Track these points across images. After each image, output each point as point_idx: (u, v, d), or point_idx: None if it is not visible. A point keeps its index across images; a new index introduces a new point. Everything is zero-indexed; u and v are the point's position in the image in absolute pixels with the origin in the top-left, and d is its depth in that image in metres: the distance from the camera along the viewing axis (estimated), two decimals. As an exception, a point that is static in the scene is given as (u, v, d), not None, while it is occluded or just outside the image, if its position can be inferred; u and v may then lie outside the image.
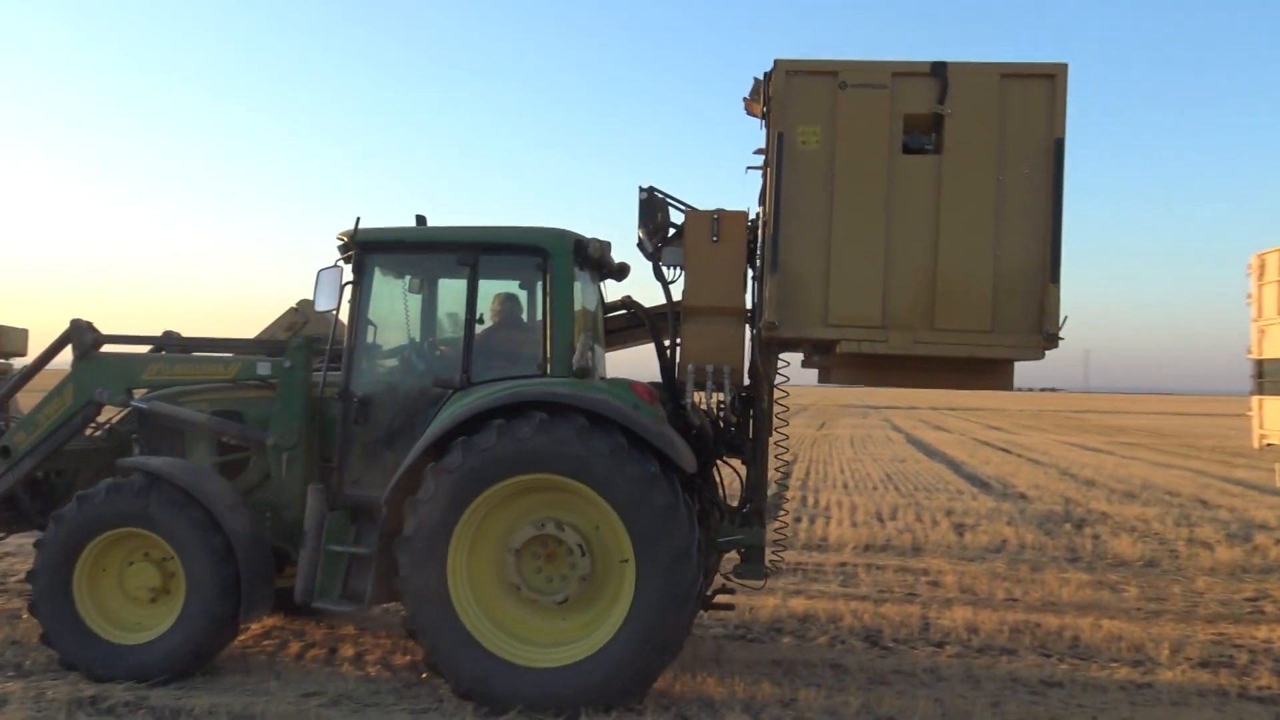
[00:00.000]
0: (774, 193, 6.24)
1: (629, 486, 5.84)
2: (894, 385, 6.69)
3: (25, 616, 7.71)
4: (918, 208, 6.16)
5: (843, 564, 11.38)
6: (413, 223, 6.87)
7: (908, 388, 6.98)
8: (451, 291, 6.91)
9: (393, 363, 7.03)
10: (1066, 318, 6.09)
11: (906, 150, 6.21)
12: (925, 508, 16.25)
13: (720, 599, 7.59)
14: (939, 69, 6.12)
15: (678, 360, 6.80)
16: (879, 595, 9.70)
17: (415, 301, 7.10)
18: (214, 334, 7.89)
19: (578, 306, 6.70)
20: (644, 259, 6.98)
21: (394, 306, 6.99)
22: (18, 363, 9.51)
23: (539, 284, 6.64)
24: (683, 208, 6.81)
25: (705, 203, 6.79)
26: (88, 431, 7.87)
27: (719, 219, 6.53)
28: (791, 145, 6.22)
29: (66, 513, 6.59)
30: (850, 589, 10.00)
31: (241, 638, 7.59)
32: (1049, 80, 6.12)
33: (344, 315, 6.80)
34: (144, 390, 7.41)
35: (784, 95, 6.26)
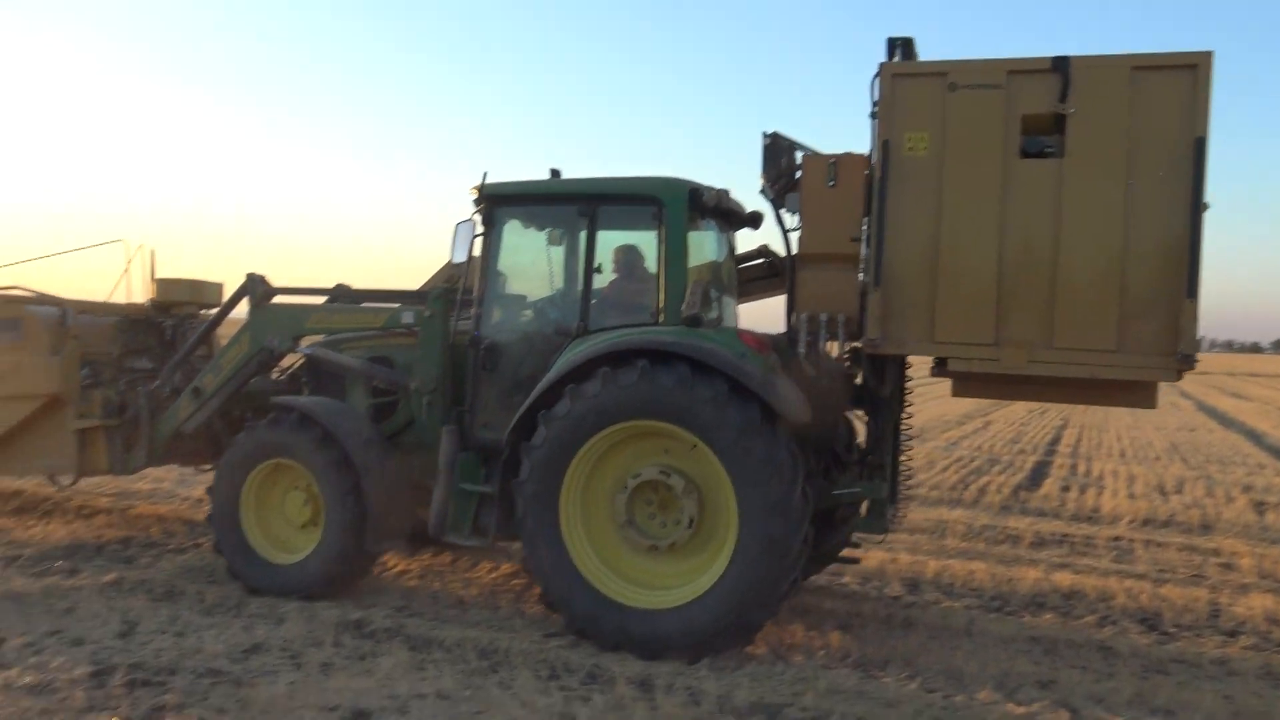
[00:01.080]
0: (879, 203, 5.96)
1: (730, 433, 5.84)
2: (1018, 399, 6.36)
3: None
4: (1036, 216, 5.74)
5: (1116, 538, 10.39)
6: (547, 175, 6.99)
7: (1034, 401, 6.63)
8: (573, 242, 7.07)
9: (519, 311, 7.28)
10: (1203, 338, 5.48)
11: (1024, 154, 5.82)
12: (1218, 482, 14.62)
13: (846, 553, 7.51)
14: (1061, 64, 5.65)
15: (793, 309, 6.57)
16: (1159, 575, 8.77)
17: (539, 252, 7.26)
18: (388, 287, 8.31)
19: (701, 256, 6.80)
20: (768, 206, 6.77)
21: (520, 257, 7.24)
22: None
23: (655, 233, 6.60)
24: (808, 153, 6.53)
25: (838, 148, 6.47)
26: (274, 375, 8.57)
27: (836, 164, 6.26)
28: (897, 153, 5.92)
29: (232, 445, 7.34)
30: (1125, 566, 9.10)
31: (491, 575, 7.93)
32: (1189, 71, 5.52)
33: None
34: (315, 338, 7.95)
35: (890, 100, 5.97)
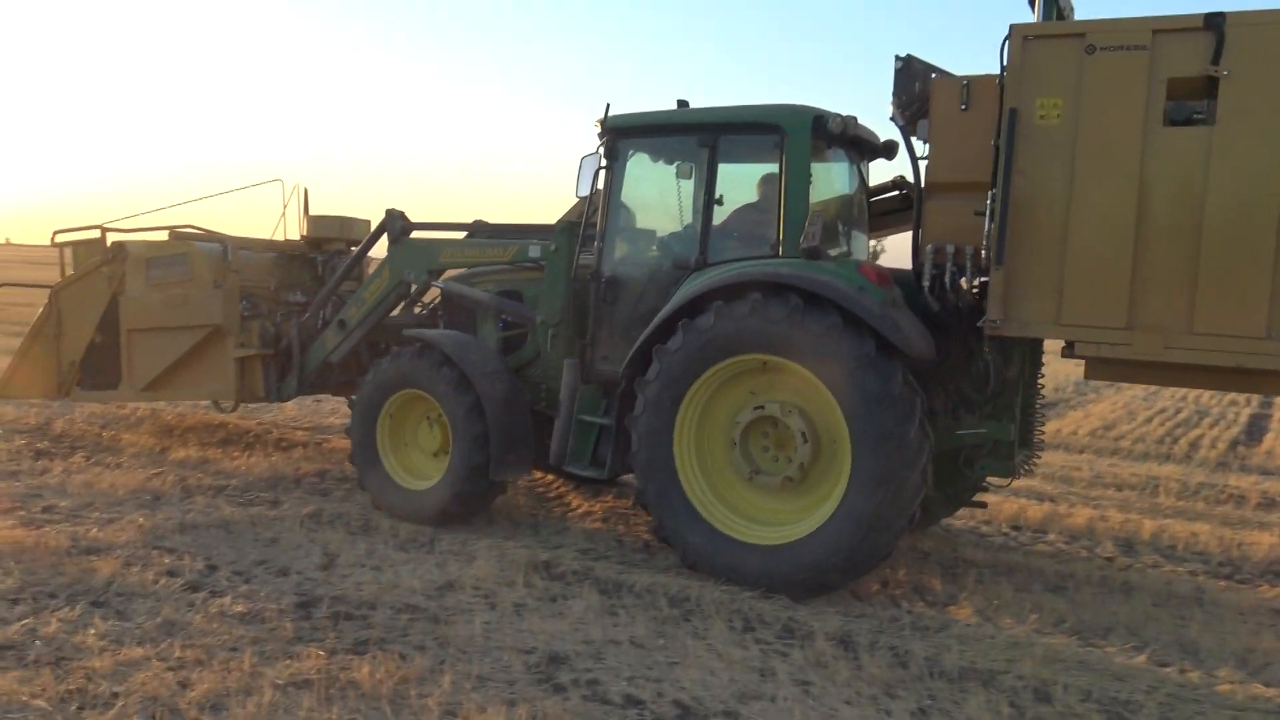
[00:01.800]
0: (1003, 176, 5.46)
1: (842, 368, 5.71)
2: (1154, 384, 5.96)
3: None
4: (1181, 189, 5.21)
5: (1358, 502, 9.37)
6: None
7: (1171, 386, 6.18)
8: (694, 174, 6.88)
9: (639, 245, 7.27)
10: None
11: (1170, 122, 5.28)
12: None
13: (979, 497, 7.19)
14: (1214, 21, 5.08)
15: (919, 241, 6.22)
16: None
17: (660, 184, 7.16)
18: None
19: (828, 187, 6.71)
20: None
21: (641, 190, 7.15)
22: None
23: (777, 163, 6.38)
24: (939, 75, 6.11)
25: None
26: (416, 309, 8.96)
27: (969, 85, 5.84)
28: (1028, 121, 5.46)
29: (368, 377, 7.62)
30: (1373, 533, 8.18)
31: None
32: None
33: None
34: (450, 272, 8.14)
35: (1019, 64, 5.49)
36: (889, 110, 6.24)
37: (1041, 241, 5.51)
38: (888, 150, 7.08)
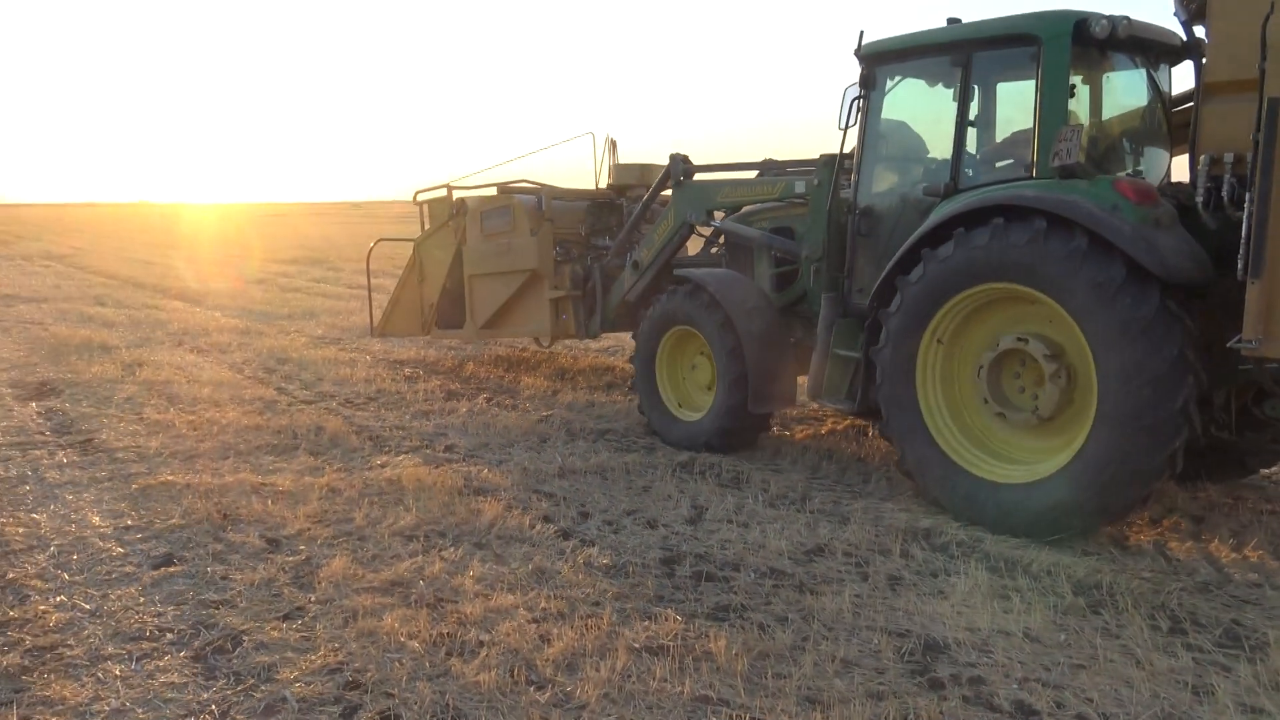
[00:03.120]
0: (1262, 174, 4.68)
1: (1088, 294, 5.27)
2: None
3: (872, 436, 7.92)
4: None
5: None
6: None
7: None
8: (952, 95, 6.38)
9: (893, 174, 7.00)
10: None
11: None
12: None
13: None
14: None
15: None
16: None
17: (916, 110, 6.90)
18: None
19: (1113, 99, 6.24)
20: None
21: (897, 117, 6.93)
22: None
23: (1034, 78, 5.88)
24: None
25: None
26: (712, 250, 9.29)
27: None
28: None
29: (647, 314, 8.13)
30: None
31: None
32: None
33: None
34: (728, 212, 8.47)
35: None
36: (1172, 6, 5.66)
37: None
38: (1190, 51, 6.14)
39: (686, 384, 8.09)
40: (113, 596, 4.84)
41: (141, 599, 4.81)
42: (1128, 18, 5.84)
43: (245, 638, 4.39)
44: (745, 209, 8.32)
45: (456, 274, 10.67)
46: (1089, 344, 5.33)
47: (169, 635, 4.43)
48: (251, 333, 14.31)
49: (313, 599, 4.82)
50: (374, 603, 4.73)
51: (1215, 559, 5.48)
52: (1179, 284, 5.17)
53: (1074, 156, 5.56)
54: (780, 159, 8.36)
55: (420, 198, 11.18)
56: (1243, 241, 4.86)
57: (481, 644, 4.31)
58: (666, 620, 4.55)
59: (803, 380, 7.52)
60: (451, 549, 5.51)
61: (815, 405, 8.63)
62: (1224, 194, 5.18)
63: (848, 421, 8.42)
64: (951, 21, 6.49)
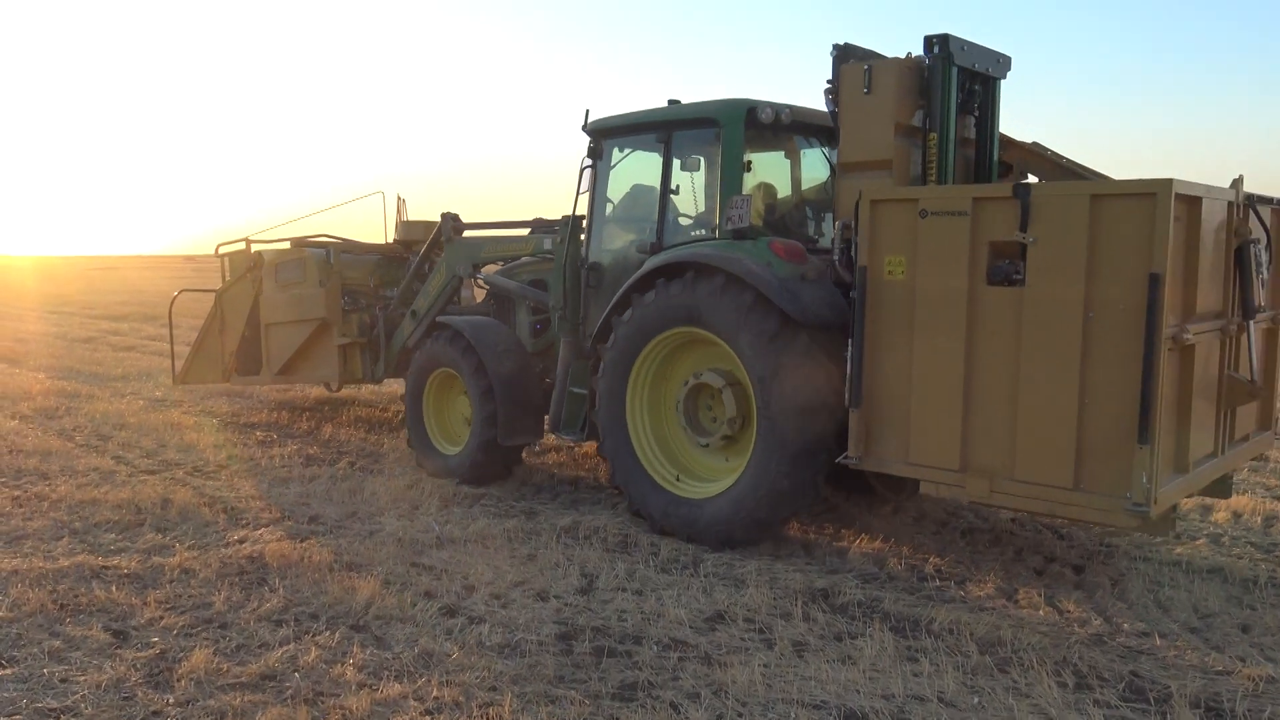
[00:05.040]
0: (856, 320, 5.85)
1: (752, 339, 6.21)
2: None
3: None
4: (1000, 346, 5.34)
5: None
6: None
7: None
8: (656, 167, 7.39)
9: (614, 233, 7.99)
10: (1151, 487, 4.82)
11: (990, 281, 5.35)
12: None
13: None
14: (1021, 192, 5.18)
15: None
16: None
17: (632, 178, 7.88)
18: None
19: (782, 172, 7.54)
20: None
21: (617, 184, 7.91)
22: None
23: (716, 155, 6.96)
24: (848, 63, 6.24)
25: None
26: (478, 300, 10.01)
27: (870, 70, 6.07)
28: (877, 277, 5.77)
29: (414, 358, 8.91)
30: None
31: (966, 543, 6.81)
32: (1148, 200, 4.80)
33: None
34: (492, 266, 9.46)
35: (870, 226, 5.80)
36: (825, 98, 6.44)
37: (892, 386, 5.75)
38: (838, 135, 6.80)
39: (451, 420, 8.84)
40: (-73, 710, 4.18)
41: (-37, 711, 4.18)
42: (790, 106, 7.01)
43: (93, 752, 3.84)
44: (514, 263, 9.25)
45: (255, 323, 11.21)
46: (750, 381, 6.28)
47: (-1, 754, 3.84)
48: (81, 396, 13.17)
49: (171, 700, 4.29)
50: (244, 701, 4.25)
51: (1103, 608, 5.55)
52: (817, 326, 6.10)
53: (745, 221, 6.51)
54: (550, 217, 9.05)
55: (221, 250, 11.67)
56: (847, 377, 5.87)
57: (371, 743, 3.90)
58: (571, 704, 4.25)
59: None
60: (326, 633, 5.04)
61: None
62: (851, 254, 6.00)
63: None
64: (672, 103, 7.49)
